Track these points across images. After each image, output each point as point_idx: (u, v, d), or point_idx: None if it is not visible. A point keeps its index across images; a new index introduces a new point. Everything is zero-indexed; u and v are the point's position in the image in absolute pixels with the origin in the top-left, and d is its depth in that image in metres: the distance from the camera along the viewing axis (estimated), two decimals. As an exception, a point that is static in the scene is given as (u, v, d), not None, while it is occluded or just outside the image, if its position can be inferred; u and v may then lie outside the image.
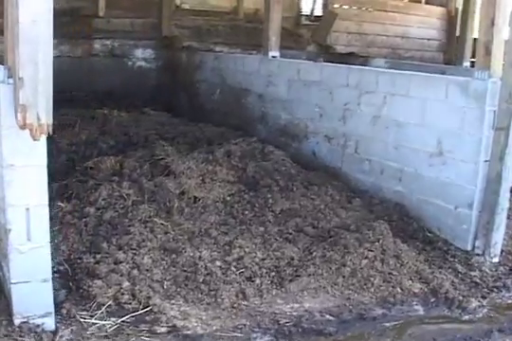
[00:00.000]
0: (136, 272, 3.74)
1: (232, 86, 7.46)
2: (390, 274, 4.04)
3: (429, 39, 11.95)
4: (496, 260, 4.42)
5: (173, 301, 3.56)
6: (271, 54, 6.68)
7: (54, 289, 3.50)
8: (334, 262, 4.07)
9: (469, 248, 4.51)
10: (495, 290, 4.06)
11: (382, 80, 5.17)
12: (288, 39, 10.25)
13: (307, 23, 10.86)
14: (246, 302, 3.65)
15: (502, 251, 4.51)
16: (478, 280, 4.15)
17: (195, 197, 4.65)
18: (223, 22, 9.86)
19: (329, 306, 3.71)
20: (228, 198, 4.71)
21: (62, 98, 8.12)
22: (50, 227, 4.10)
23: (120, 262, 3.80)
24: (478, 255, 4.43)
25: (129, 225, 4.20)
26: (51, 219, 4.21)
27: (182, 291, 3.68)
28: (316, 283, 3.90)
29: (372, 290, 3.90)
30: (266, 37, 6.69)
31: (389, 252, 4.23)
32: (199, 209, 4.57)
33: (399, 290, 3.92)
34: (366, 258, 4.13)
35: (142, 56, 9.24)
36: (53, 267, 3.78)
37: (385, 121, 5.17)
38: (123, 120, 6.27)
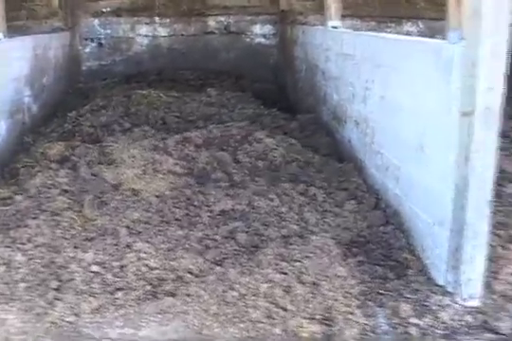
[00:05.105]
0: (2, 269, 3.39)
1: (311, 62, 6.52)
2: (282, 308, 3.01)
3: None
4: (473, 303, 3.04)
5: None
6: (331, 24, 5.63)
7: None
8: (224, 283, 3.21)
9: (443, 282, 3.20)
10: (428, 350, 2.80)
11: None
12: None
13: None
14: (73, 319, 3.02)
15: (490, 292, 3.12)
16: (414, 332, 2.90)
17: (133, 189, 4.07)
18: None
19: (167, 339, 2.89)
20: (168, 193, 4.02)
21: (164, 77, 8.13)
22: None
23: (-5, 258, 3.49)
24: (446, 294, 3.12)
25: (34, 218, 3.83)
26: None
27: (21, 298, 3.19)
28: (181, 307, 3.07)
29: (241, 326, 2.94)
30: (326, 5, 5.65)
31: (306, 277, 3.19)
32: (127, 204, 3.98)
33: (278, 331, 2.90)
34: (269, 282, 3.18)
35: (260, 32, 8.65)
36: None
37: (387, 102, 3.94)
38: (159, 102, 5.82)
